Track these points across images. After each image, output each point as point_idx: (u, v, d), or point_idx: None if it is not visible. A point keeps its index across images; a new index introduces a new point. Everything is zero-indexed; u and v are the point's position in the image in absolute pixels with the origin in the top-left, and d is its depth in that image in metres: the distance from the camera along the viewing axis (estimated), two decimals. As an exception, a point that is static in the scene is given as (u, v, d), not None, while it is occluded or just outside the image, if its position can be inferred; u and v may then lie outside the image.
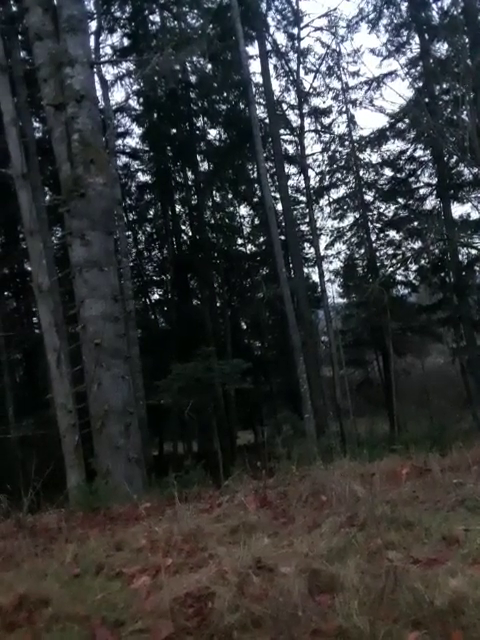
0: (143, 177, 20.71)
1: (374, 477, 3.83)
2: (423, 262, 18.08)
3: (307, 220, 20.79)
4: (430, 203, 17.81)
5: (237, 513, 3.60)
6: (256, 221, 22.49)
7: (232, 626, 2.06)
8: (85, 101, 7.30)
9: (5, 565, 3.28)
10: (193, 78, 19.03)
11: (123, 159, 19.84)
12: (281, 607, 2.12)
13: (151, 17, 18.55)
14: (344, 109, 18.93)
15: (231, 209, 21.78)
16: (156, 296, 23.31)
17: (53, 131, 7.33)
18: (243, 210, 22.27)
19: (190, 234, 21.01)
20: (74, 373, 7.31)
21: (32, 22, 7.36)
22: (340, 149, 19.71)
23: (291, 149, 20.13)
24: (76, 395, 7.51)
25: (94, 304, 7.18)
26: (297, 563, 2.49)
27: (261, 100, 18.27)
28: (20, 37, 11.48)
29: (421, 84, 16.30)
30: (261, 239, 22.99)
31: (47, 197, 12.93)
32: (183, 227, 21.12)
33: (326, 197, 20.11)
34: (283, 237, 17.90)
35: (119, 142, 18.93)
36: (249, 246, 23.30)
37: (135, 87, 18.63)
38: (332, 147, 19.52)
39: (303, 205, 21.29)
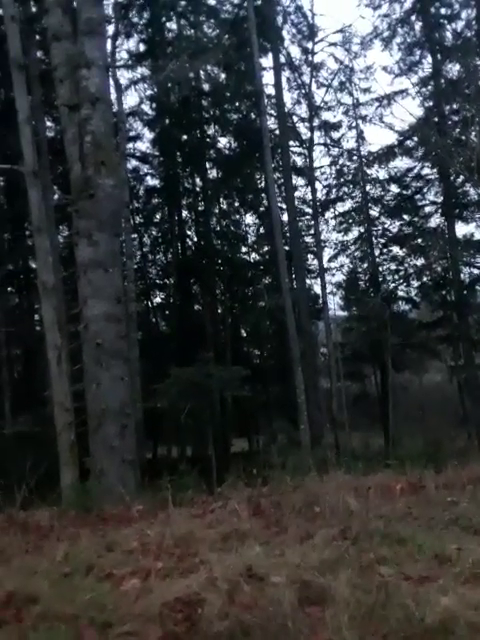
0: (152, 181, 20.83)
1: (369, 491, 3.83)
2: (425, 279, 18.14)
3: (311, 232, 20.88)
4: (435, 221, 17.93)
5: (230, 520, 3.60)
6: (261, 230, 22.60)
7: (221, 634, 2.06)
8: (99, 103, 7.34)
9: (-4, 561, 3.27)
10: (206, 86, 19.19)
11: (133, 162, 19.98)
12: (271, 617, 2.11)
13: (168, 24, 18.78)
14: (354, 124, 19.09)
15: (237, 217, 21.87)
16: (158, 299, 23.39)
17: (66, 131, 7.37)
18: (249, 219, 22.40)
19: (195, 240, 21.11)
20: (73, 372, 7.32)
21: (51, 23, 7.43)
22: (348, 163, 19.85)
23: (299, 161, 20.28)
24: (74, 394, 7.52)
25: (97, 304, 7.19)
26: (288, 573, 2.49)
27: (272, 111, 18.42)
28: (37, 37, 11.60)
29: (431, 103, 16.43)
30: (265, 248, 23.07)
31: (55, 196, 12.98)
32: (188, 232, 21.23)
33: (332, 210, 20.23)
34: (287, 248, 17.96)
35: (130, 145, 19.06)
36: (253, 255, 23.39)
37: (148, 92, 18.83)
38: (340, 161, 19.66)
39: (308, 217, 21.40)
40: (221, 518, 3.69)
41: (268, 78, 21.38)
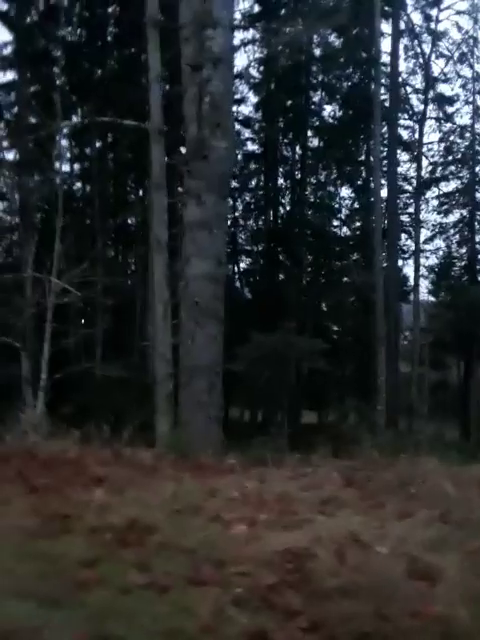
0: (251, 146, 20.77)
1: (467, 479, 3.81)
2: None
3: (409, 211, 20.15)
4: None
5: (324, 486, 3.71)
6: (355, 205, 22.09)
7: (332, 590, 2.18)
8: (221, 65, 7.42)
9: (110, 491, 3.58)
10: (317, 51, 18.68)
11: (235, 126, 19.93)
12: (380, 583, 2.21)
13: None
14: (471, 99, 17.97)
15: (332, 189, 21.46)
16: (243, 265, 23.62)
17: (187, 91, 7.52)
18: (344, 192, 21.91)
19: (288, 208, 20.98)
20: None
21: (182, -20, 7.51)
22: (459, 141, 18.80)
23: (405, 135, 19.45)
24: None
25: (199, 264, 7.44)
26: (393, 546, 2.57)
27: (383, 81, 17.65)
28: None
29: None
30: (357, 223, 22.57)
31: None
32: (282, 200, 21.10)
33: (434, 189, 19.35)
34: (383, 225, 17.43)
35: (234, 108, 19.00)
36: (344, 229, 22.97)
37: (257, 55, 18.60)
38: (451, 138, 18.65)
39: (408, 194, 20.61)
40: (315, 483, 3.81)
41: (384, 46, 20.45)
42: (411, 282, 19.85)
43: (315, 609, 2.06)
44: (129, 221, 20.02)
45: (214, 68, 7.41)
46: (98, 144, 17.22)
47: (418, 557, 2.46)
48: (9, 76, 16.18)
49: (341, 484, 3.80)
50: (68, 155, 15.70)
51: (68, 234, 9.45)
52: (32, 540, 2.80)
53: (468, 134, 17.96)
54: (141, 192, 19.11)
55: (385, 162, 17.83)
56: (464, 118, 17.97)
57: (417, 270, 17.75)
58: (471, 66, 17.49)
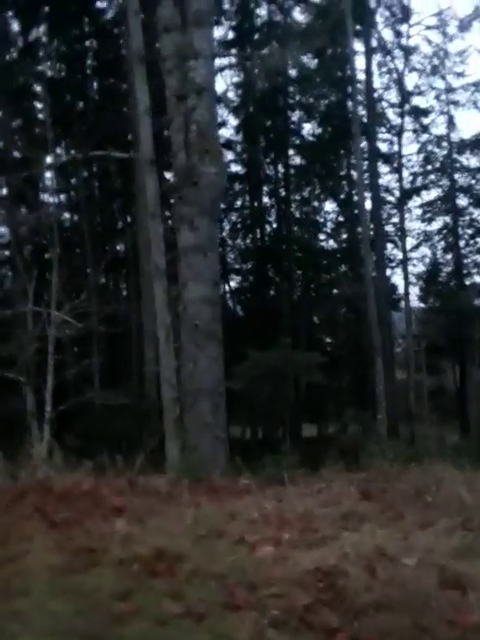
0: (234, 167, 21.05)
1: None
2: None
3: (393, 221, 20.49)
4: None
5: (342, 501, 3.76)
6: (340, 218, 22.39)
7: (367, 605, 2.22)
8: (205, 93, 7.59)
9: (130, 521, 3.60)
10: (293, 72, 19.08)
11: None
12: (413, 595, 2.26)
13: (257, 11, 18.77)
14: (445, 109, 18.42)
15: (317, 204, 21.76)
16: (233, 284, 23.76)
17: (173, 121, 7.68)
18: (328, 206, 22.22)
19: (275, 226, 21.22)
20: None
21: (163, 14, 7.70)
22: (436, 150, 19.22)
23: (384, 148, 19.84)
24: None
25: (196, 287, 7.52)
26: (420, 557, 2.62)
27: (359, 97, 18.04)
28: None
29: None
30: (343, 236, 22.85)
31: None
32: (269, 218, 21.36)
33: (415, 199, 19.71)
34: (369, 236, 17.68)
35: (215, 131, 19.26)
36: (330, 242, 23.23)
37: (235, 79, 18.99)
38: (428, 148, 19.06)
39: (389, 205, 20.96)
40: (332, 499, 3.85)
41: (359, 63, 20.96)
42: (400, 290, 20.11)
43: (353, 626, 2.11)
44: (118, 248, 20.16)
45: (198, 97, 7.58)
46: (84, 174, 17.39)
47: (446, 566, 2.52)
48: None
49: (358, 498, 3.85)
50: (54, 186, 15.82)
51: (61, 265, 9.52)
52: (62, 576, 2.82)
53: (445, 143, 18.39)
54: (128, 219, 19.29)
55: (366, 175, 18.16)
56: (440, 128, 18.44)
57: (406, 278, 17.99)
58: (443, 78, 17.98)
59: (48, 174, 14.94)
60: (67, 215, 19.26)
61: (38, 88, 16.56)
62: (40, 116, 15.71)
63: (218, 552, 2.91)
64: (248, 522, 3.46)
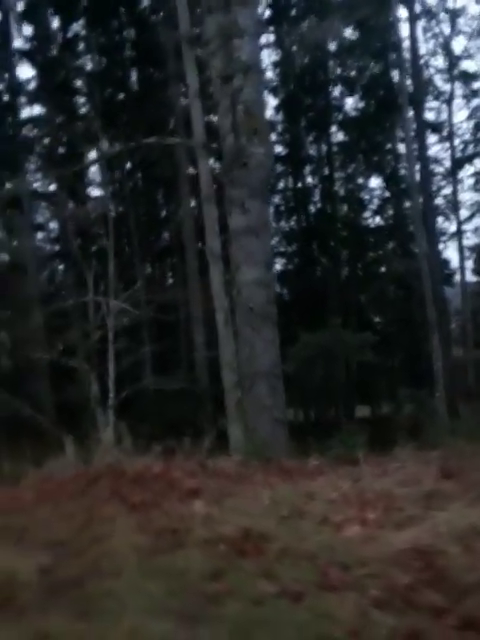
0: (276, 148, 20.75)
1: None
2: None
3: (443, 193, 19.78)
4: None
5: (421, 480, 3.65)
6: (386, 193, 21.79)
7: (472, 585, 2.14)
8: (251, 72, 7.47)
9: (207, 502, 3.61)
10: (332, 46, 18.53)
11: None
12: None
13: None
14: (496, 72, 17.53)
15: (362, 181, 21.24)
16: (279, 266, 23.56)
17: (219, 103, 7.59)
18: (373, 182, 21.66)
19: (319, 206, 20.87)
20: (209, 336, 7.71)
21: (205, -6, 7.60)
22: (488, 116, 18.36)
23: (431, 117, 19.10)
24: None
25: (249, 270, 7.49)
26: (519, 535, 2.51)
27: (405, 65, 17.36)
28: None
29: None
30: (390, 212, 22.25)
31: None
32: (313, 199, 21.02)
33: (467, 168, 18.94)
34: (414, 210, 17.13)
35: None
36: (377, 219, 22.68)
37: (273, 58, 18.63)
38: (478, 114, 18.24)
39: (440, 177, 20.22)
40: (410, 478, 3.75)
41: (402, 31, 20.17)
42: (453, 265, 19.48)
43: (461, 606, 2.02)
44: (163, 236, 20.32)
45: (245, 77, 7.46)
46: (128, 165, 17.54)
47: None
48: (36, 110, 16.73)
49: (438, 477, 3.73)
50: (104, 179, 16.05)
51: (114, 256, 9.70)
52: (149, 557, 2.85)
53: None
54: (172, 207, 19.39)
55: (414, 146, 17.55)
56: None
57: (461, 251, 17.37)
58: (492, 38, 17.09)
59: (93, 168, 15.15)
60: (111, 206, 19.49)
61: (79, 83, 16.75)
62: (83, 110, 15.89)
63: (304, 532, 2.87)
64: (327, 502, 3.41)
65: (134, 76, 18.03)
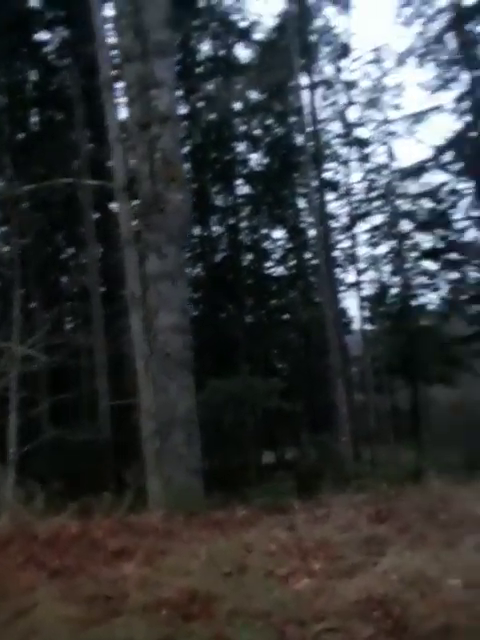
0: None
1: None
2: (459, 294, 18.22)
3: (340, 246, 21.10)
4: (469, 235, 18.05)
5: (356, 525, 3.66)
6: (289, 244, 22.82)
7: (434, 632, 2.12)
8: (168, 122, 7.56)
9: (138, 563, 3.36)
10: (237, 105, 19.48)
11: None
12: (477, 616, 2.18)
13: (200, 46, 19.15)
14: (384, 140, 19.35)
15: (266, 231, 22.11)
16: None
17: (136, 149, 7.58)
18: (277, 233, 22.61)
19: (224, 254, 21.33)
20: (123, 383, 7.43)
21: (124, 44, 7.68)
22: (377, 178, 20.09)
23: (329, 176, 20.50)
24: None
25: (166, 315, 7.34)
26: (465, 577, 2.55)
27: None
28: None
29: (469, 118, 16.59)
30: (292, 262, 23.26)
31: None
32: (219, 247, 21.48)
33: (361, 225, 20.44)
34: (316, 261, 18.11)
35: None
36: (280, 268, 23.58)
37: (181, 110, 19.15)
38: (370, 176, 19.90)
39: (336, 232, 21.60)
40: (345, 524, 3.74)
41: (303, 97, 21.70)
42: (349, 314, 20.66)
43: (428, 654, 2.00)
44: (62, 280, 19.65)
45: (162, 126, 7.54)
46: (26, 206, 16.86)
47: (495, 583, 2.46)
48: None
49: (372, 521, 3.76)
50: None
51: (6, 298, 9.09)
52: (83, 628, 2.56)
53: (386, 172, 19.26)
54: (74, 249, 18.89)
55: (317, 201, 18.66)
56: (381, 157, 19.32)
57: (360, 300, 18.47)
58: (380, 110, 18.93)
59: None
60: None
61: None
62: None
63: (251, 588, 2.74)
64: (267, 554, 3.30)
65: (35, 117, 17.72)
